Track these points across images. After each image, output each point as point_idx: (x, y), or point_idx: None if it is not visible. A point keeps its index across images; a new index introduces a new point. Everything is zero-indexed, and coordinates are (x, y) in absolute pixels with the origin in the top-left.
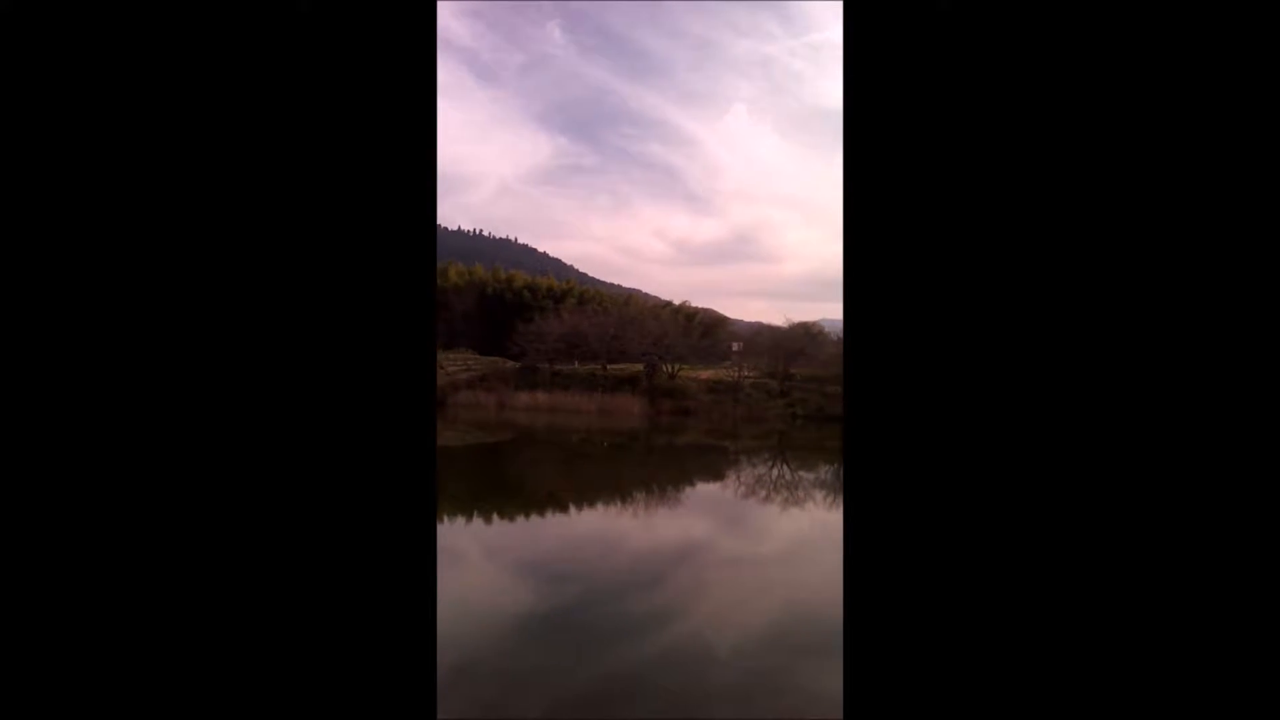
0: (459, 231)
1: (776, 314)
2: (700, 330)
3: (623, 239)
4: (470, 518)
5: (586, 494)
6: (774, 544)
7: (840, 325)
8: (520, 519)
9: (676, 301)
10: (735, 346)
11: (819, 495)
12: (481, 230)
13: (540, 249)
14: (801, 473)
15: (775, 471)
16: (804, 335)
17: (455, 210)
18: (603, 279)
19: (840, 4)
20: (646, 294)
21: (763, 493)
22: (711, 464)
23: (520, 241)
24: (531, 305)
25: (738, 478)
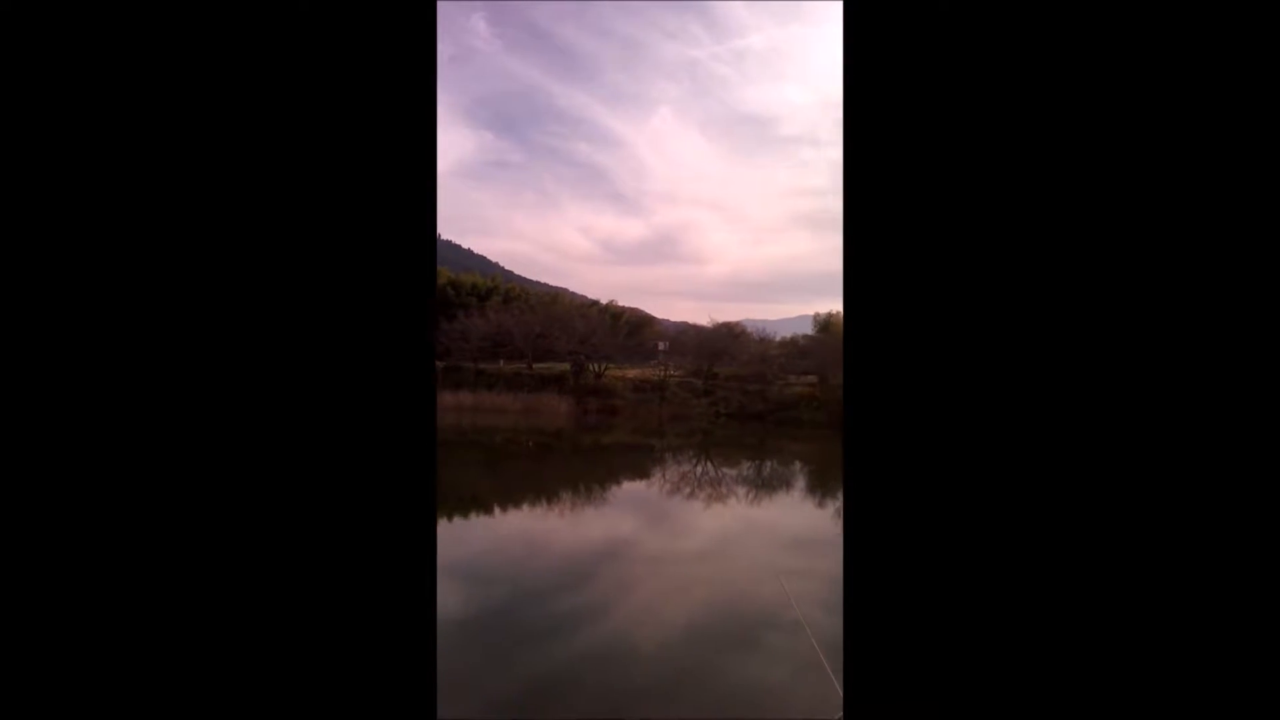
0: None
1: (701, 314)
2: (627, 329)
3: (549, 237)
4: None
5: (512, 495)
6: (697, 540)
7: (761, 326)
8: (444, 521)
9: (603, 301)
10: (661, 346)
11: (741, 491)
12: None
13: (465, 245)
14: (724, 469)
15: (699, 469)
16: (727, 335)
17: None
18: (529, 277)
19: (764, 9)
20: (573, 293)
21: (687, 490)
22: (637, 462)
23: (444, 237)
24: (455, 303)
25: (663, 476)
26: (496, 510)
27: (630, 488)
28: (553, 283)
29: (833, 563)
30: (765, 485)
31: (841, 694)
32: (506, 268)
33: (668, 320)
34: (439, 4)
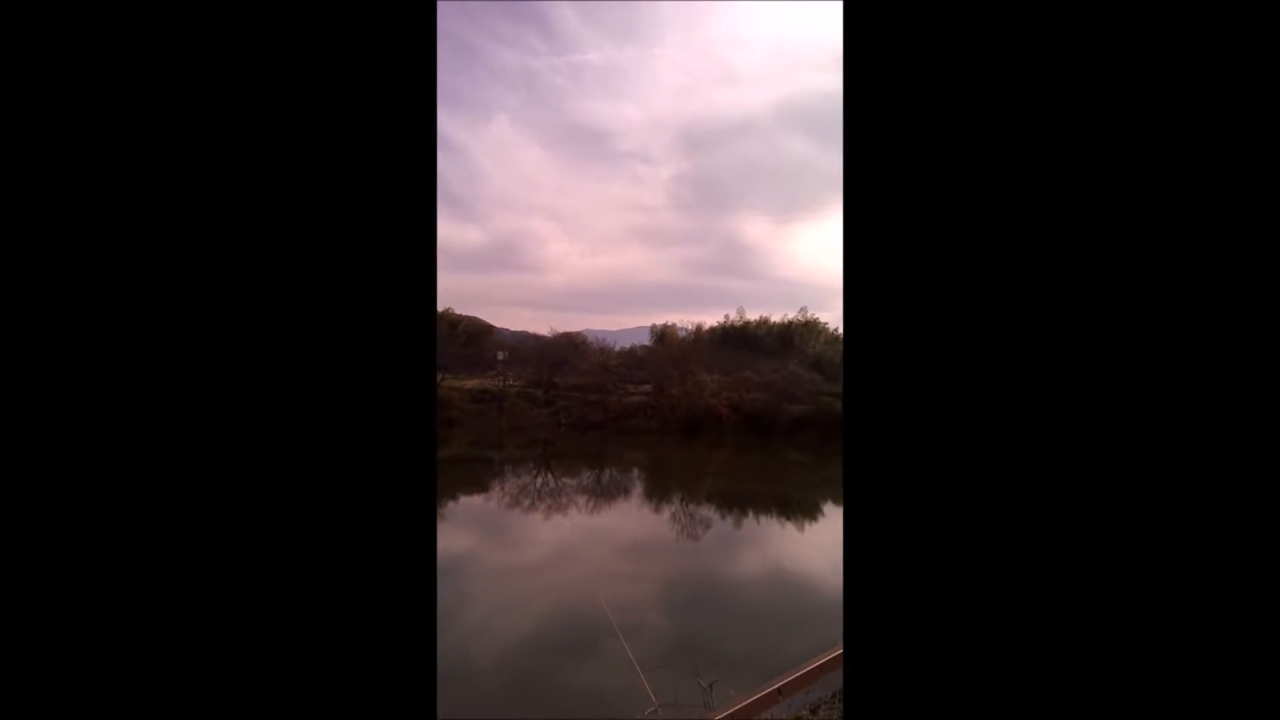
0: None
1: (542, 324)
2: (464, 338)
3: None
4: None
5: None
6: (536, 552)
7: (601, 336)
8: None
9: (440, 308)
10: (501, 355)
11: (581, 500)
12: None
13: None
14: (565, 480)
15: (539, 480)
16: (568, 345)
17: None
18: None
19: (601, 27)
20: None
21: (527, 502)
22: (476, 476)
23: None
24: None
25: (502, 488)
26: None
27: (468, 502)
28: None
29: (667, 566)
30: (604, 494)
31: (651, 693)
32: None
33: (507, 329)
34: (439, 3)
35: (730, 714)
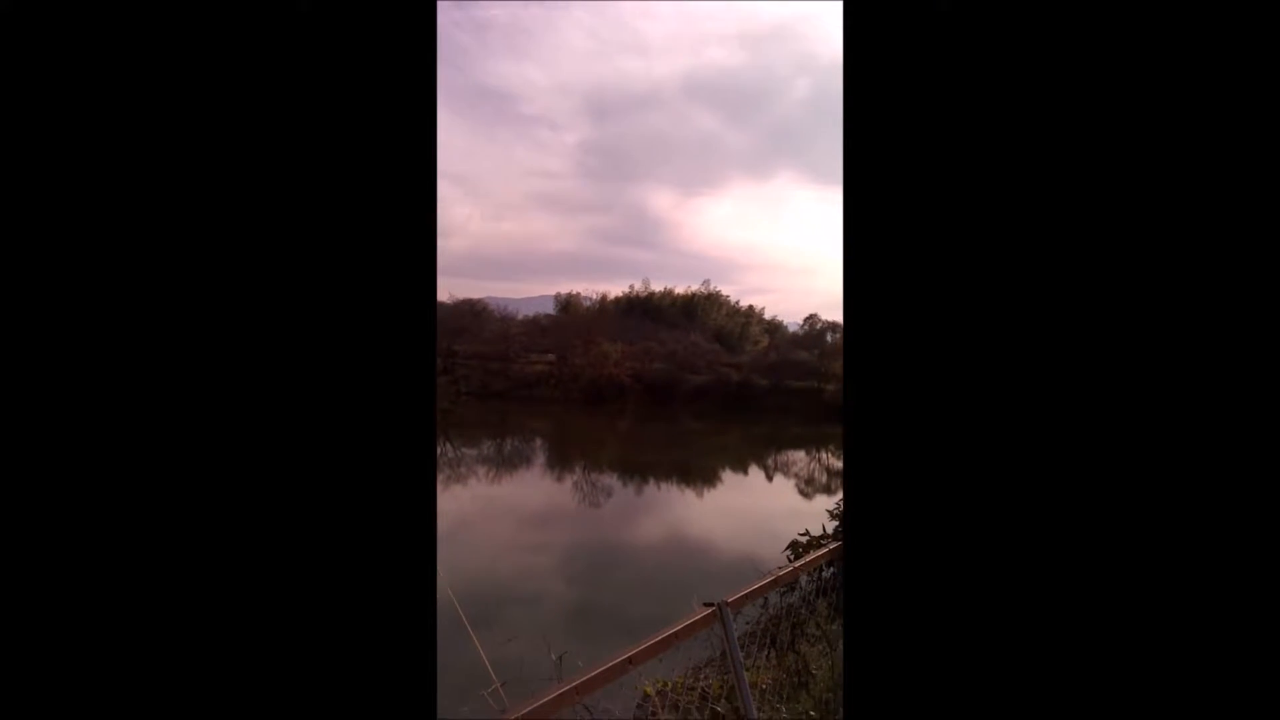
0: None
1: (441, 290)
2: None
3: None
4: None
5: None
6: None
7: (504, 304)
8: None
9: None
10: None
11: (481, 470)
12: None
13: None
14: (465, 449)
15: (439, 450)
16: (469, 313)
17: None
18: None
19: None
20: None
21: None
22: None
23: None
24: None
25: None
26: None
27: None
28: None
29: (569, 536)
30: (506, 463)
31: (491, 672)
32: None
33: None
34: (439, 3)
35: (575, 685)
